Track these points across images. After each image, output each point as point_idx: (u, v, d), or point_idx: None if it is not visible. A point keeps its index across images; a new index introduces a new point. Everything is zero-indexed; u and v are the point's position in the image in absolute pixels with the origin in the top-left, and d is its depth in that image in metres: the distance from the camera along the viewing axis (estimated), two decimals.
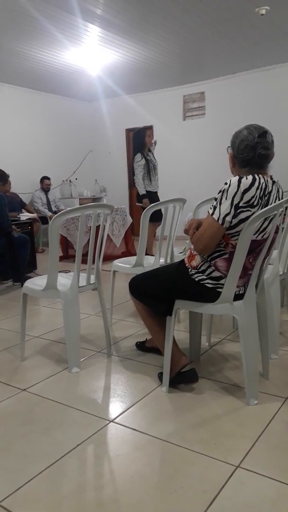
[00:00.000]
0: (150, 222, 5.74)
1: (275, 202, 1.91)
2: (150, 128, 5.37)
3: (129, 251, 6.32)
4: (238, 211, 1.82)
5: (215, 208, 1.87)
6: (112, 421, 1.91)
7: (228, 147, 2.01)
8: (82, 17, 4.79)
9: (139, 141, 5.42)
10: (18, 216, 5.69)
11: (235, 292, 1.97)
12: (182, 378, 2.16)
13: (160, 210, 3.02)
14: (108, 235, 4.97)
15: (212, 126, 7.89)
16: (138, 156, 5.38)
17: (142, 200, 5.45)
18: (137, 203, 5.59)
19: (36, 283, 2.59)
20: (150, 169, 5.41)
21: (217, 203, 1.86)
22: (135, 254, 3.66)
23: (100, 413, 1.98)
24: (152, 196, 5.50)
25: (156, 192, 5.62)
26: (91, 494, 1.46)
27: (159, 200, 5.52)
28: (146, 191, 5.43)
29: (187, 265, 2.07)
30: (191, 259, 2.06)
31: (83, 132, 9.26)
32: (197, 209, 3.14)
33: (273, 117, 6.95)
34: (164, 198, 3.14)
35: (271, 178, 1.93)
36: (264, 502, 1.38)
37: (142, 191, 5.44)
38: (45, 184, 7.88)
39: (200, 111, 8.12)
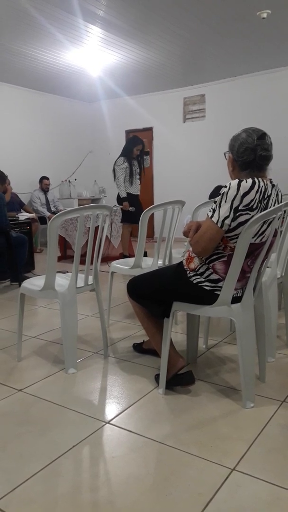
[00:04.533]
0: (127, 223, 5.90)
1: (274, 205, 1.92)
2: (142, 143, 5.61)
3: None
4: (237, 214, 1.83)
5: (214, 211, 1.87)
6: (108, 422, 1.91)
7: (226, 152, 2.01)
8: (83, 18, 4.80)
9: (128, 147, 5.68)
10: (16, 216, 5.69)
11: (233, 295, 1.98)
12: (178, 380, 2.16)
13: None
14: (106, 236, 4.99)
15: (212, 128, 7.90)
16: (120, 160, 5.63)
17: (122, 203, 5.70)
18: (116, 205, 5.81)
19: (34, 283, 2.59)
20: (132, 173, 5.62)
21: (216, 206, 1.87)
22: (133, 256, 3.66)
23: (96, 415, 1.97)
24: (133, 199, 5.67)
25: (138, 195, 5.83)
26: (86, 495, 1.45)
27: (140, 203, 5.70)
28: (127, 193, 5.66)
29: (185, 267, 2.07)
30: (190, 261, 2.06)
31: (83, 132, 9.26)
32: (196, 211, 3.14)
33: (274, 121, 6.98)
34: (163, 200, 3.14)
35: (271, 182, 1.94)
36: (259, 505, 1.38)
37: (123, 194, 5.70)
38: (44, 184, 7.87)
39: (200, 113, 8.14)
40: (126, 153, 5.61)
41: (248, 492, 1.45)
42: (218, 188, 4.91)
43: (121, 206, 5.74)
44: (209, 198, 4.34)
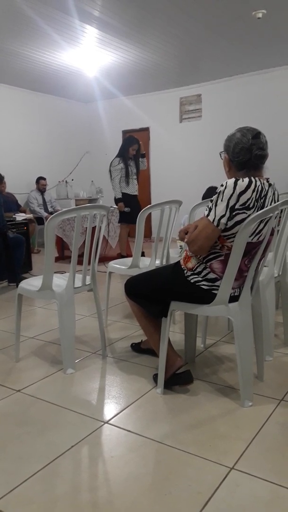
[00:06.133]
0: (125, 224, 5.88)
1: (270, 204, 1.92)
2: (137, 142, 5.59)
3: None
4: (233, 213, 1.83)
5: (210, 209, 1.87)
6: (107, 422, 1.91)
7: (221, 152, 2.01)
8: (79, 18, 4.79)
9: (123, 147, 5.65)
10: (13, 216, 5.68)
11: (231, 294, 1.98)
12: (177, 380, 2.16)
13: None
14: (104, 236, 4.98)
15: (208, 128, 7.91)
16: (116, 161, 5.61)
17: (118, 204, 5.68)
18: (113, 206, 5.80)
19: (31, 283, 2.58)
20: (128, 173, 5.60)
21: (212, 204, 1.87)
22: (131, 256, 3.65)
23: (95, 415, 1.97)
24: (130, 199, 5.66)
25: (135, 195, 5.81)
26: (85, 495, 1.45)
27: (138, 204, 5.69)
28: (123, 193, 5.64)
29: (182, 266, 2.08)
30: (187, 261, 2.06)
31: (80, 133, 9.26)
32: (193, 211, 3.14)
33: (270, 120, 6.99)
34: (160, 200, 3.14)
35: (267, 181, 1.94)
36: (258, 504, 1.39)
37: (118, 195, 5.67)
38: (40, 184, 7.85)
39: (196, 113, 8.15)
40: (122, 153, 5.60)
41: (247, 490, 1.45)
42: (210, 189, 4.89)
43: (117, 207, 5.73)
44: (202, 199, 4.33)
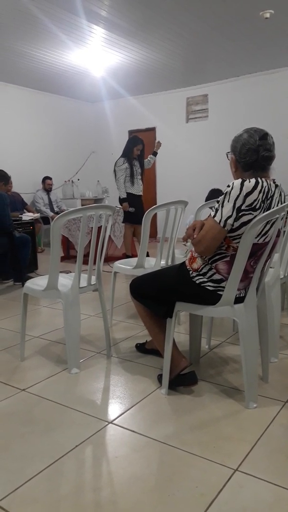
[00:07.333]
0: (129, 224, 5.88)
1: (277, 205, 1.91)
2: (142, 142, 5.59)
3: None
4: (240, 214, 1.82)
5: (217, 210, 1.87)
6: (111, 422, 1.91)
7: (228, 152, 2.01)
8: (87, 18, 4.80)
9: (129, 147, 5.65)
10: (20, 216, 5.70)
11: (236, 295, 1.97)
12: (181, 381, 2.16)
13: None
14: (109, 236, 4.99)
15: (215, 128, 7.90)
16: (120, 161, 5.62)
17: (122, 203, 5.69)
18: (118, 206, 5.81)
19: (37, 283, 2.59)
20: (133, 173, 5.61)
21: (219, 205, 1.86)
22: (136, 256, 3.66)
23: (99, 415, 1.98)
24: (134, 199, 5.68)
25: (140, 196, 5.81)
26: (89, 495, 1.46)
27: (142, 204, 5.69)
28: (128, 193, 5.64)
29: (188, 267, 2.07)
30: (192, 262, 2.06)
31: (86, 133, 9.27)
32: (199, 212, 3.14)
33: (276, 120, 6.96)
34: (166, 200, 3.14)
35: (274, 182, 1.93)
36: (261, 506, 1.38)
37: (122, 195, 5.67)
38: (47, 184, 7.88)
39: (203, 113, 8.13)
40: (126, 153, 5.61)
41: (251, 492, 1.44)
42: (213, 191, 4.88)
43: (121, 207, 5.75)
44: (205, 201, 4.33)
